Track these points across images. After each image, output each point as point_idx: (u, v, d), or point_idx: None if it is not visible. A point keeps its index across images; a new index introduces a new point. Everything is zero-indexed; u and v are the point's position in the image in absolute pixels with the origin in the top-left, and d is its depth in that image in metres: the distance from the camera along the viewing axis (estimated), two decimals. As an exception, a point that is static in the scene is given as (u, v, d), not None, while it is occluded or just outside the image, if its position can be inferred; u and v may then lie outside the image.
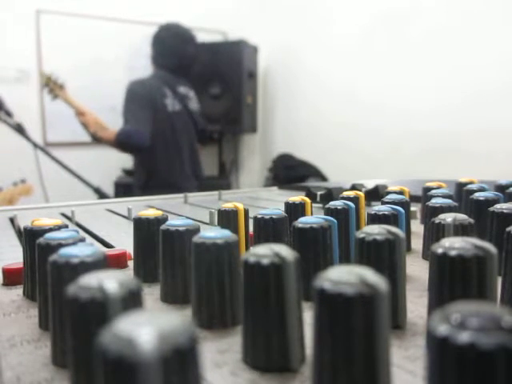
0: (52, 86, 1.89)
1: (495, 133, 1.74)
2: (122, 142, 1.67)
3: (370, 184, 0.69)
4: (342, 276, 0.16)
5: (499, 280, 0.24)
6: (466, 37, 1.82)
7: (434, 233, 0.31)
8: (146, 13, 2.87)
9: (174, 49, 1.84)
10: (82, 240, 0.27)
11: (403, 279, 0.24)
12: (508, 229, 0.26)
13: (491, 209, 0.34)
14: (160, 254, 0.30)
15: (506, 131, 1.71)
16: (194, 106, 1.93)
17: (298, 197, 0.41)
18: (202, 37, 2.78)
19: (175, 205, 0.82)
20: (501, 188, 0.49)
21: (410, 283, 0.32)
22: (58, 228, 0.31)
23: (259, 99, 2.82)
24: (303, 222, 0.29)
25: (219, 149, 2.87)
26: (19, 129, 1.87)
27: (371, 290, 0.16)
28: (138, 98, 1.72)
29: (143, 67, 2.91)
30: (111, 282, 0.17)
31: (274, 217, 0.34)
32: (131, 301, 0.17)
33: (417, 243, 0.42)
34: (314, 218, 0.30)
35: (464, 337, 0.12)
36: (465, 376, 0.12)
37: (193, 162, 1.92)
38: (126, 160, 2.48)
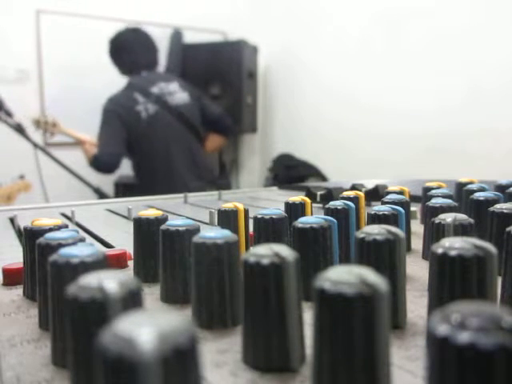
0: (44, 127, 1.90)
1: (495, 133, 1.74)
2: (94, 168, 1.76)
3: (369, 184, 0.69)
4: (342, 276, 0.16)
5: (499, 280, 0.24)
6: (465, 37, 1.82)
7: (434, 233, 0.31)
8: (145, 13, 2.87)
9: (134, 47, 1.84)
10: (82, 240, 0.27)
11: (403, 279, 0.24)
12: (508, 229, 0.26)
13: (491, 209, 0.34)
14: (160, 254, 0.30)
15: (506, 131, 1.71)
16: (179, 98, 1.83)
17: (298, 197, 0.41)
18: (202, 37, 2.78)
19: (175, 205, 0.82)
20: (501, 188, 0.49)
21: (410, 283, 0.32)
22: (58, 228, 0.31)
23: (259, 99, 2.82)
24: (303, 221, 0.29)
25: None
26: (19, 129, 1.87)
27: (371, 289, 0.16)
28: (108, 116, 1.75)
29: (143, 67, 2.91)
30: (111, 281, 0.17)
31: (274, 217, 0.34)
32: (131, 301, 0.17)
33: (417, 243, 0.42)
34: (314, 218, 0.30)
35: (464, 337, 0.12)
36: (465, 376, 0.12)
37: (191, 161, 1.83)
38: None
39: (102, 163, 1.73)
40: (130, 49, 1.84)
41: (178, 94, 1.83)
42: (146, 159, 1.81)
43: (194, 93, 1.90)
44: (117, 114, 1.74)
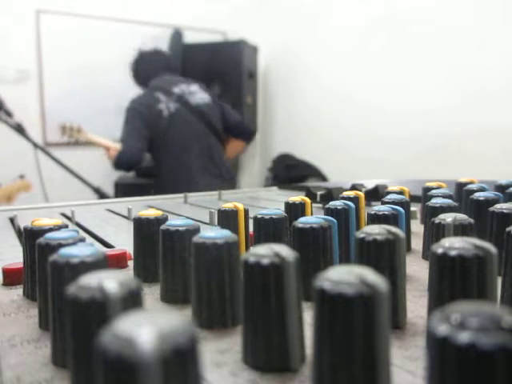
0: (70, 133, 1.98)
1: (495, 133, 1.74)
2: (119, 167, 1.82)
3: (369, 184, 0.69)
4: (342, 276, 0.16)
5: (499, 280, 0.24)
6: (465, 38, 1.82)
7: (434, 233, 0.31)
8: (146, 13, 2.87)
9: (158, 53, 1.94)
10: (82, 240, 0.26)
11: (403, 279, 0.24)
12: (508, 229, 0.26)
13: (491, 209, 0.34)
14: (160, 254, 0.30)
15: (506, 131, 1.71)
16: (200, 98, 1.86)
17: (298, 197, 0.41)
18: (202, 37, 2.78)
19: (175, 205, 0.82)
20: (501, 188, 0.49)
21: (410, 283, 0.32)
22: (58, 228, 0.31)
23: (259, 99, 2.82)
24: (303, 221, 0.29)
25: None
26: (19, 129, 1.87)
27: (371, 289, 0.16)
28: (131, 115, 1.80)
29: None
30: (111, 282, 0.17)
31: (274, 217, 0.34)
32: (131, 301, 0.17)
33: (417, 243, 0.42)
34: (314, 218, 0.30)
35: (464, 337, 0.12)
36: (465, 376, 0.12)
37: (209, 160, 1.85)
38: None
39: (125, 159, 1.77)
40: (148, 60, 1.92)
41: (198, 94, 1.87)
42: (166, 156, 1.84)
43: (215, 97, 1.96)
44: (138, 112, 1.79)
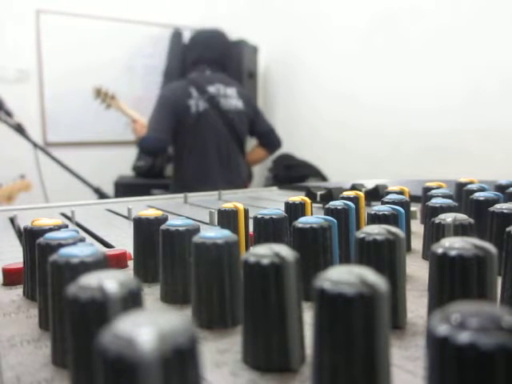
0: (103, 97, 1.99)
1: (495, 133, 1.74)
2: (140, 149, 1.82)
3: (369, 184, 0.69)
4: (342, 276, 0.16)
5: (499, 280, 0.24)
6: (465, 37, 1.82)
7: (434, 233, 0.31)
8: (146, 13, 2.87)
9: (203, 43, 1.87)
10: (82, 240, 0.26)
11: (403, 279, 0.24)
12: (508, 229, 0.26)
13: (491, 209, 0.34)
14: (160, 254, 0.30)
15: (506, 131, 1.71)
16: (233, 104, 1.83)
17: (298, 197, 0.41)
18: (202, 37, 2.78)
19: (175, 205, 0.82)
20: (501, 188, 0.49)
21: (410, 283, 0.32)
22: (58, 228, 0.31)
23: (259, 99, 2.82)
24: (303, 221, 0.29)
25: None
26: (19, 129, 1.87)
27: (371, 289, 0.16)
28: (162, 102, 1.78)
29: (143, 67, 2.92)
30: (111, 281, 0.17)
31: (274, 217, 0.34)
32: (131, 301, 0.17)
33: (417, 243, 0.42)
34: (314, 218, 0.30)
35: (464, 337, 0.12)
36: (465, 376, 0.12)
37: (225, 165, 1.83)
38: (127, 161, 2.48)
39: (148, 146, 1.76)
40: (198, 45, 1.88)
41: (232, 99, 1.83)
42: (185, 153, 1.83)
43: (250, 103, 1.91)
44: (170, 101, 1.77)
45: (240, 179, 1.86)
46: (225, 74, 1.88)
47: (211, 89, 1.80)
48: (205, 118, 1.77)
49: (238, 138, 1.86)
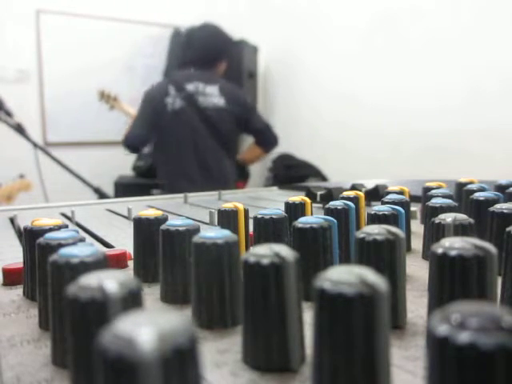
0: (107, 99, 2.09)
1: (495, 133, 1.74)
2: (123, 145, 1.86)
3: (369, 184, 0.69)
4: (342, 276, 0.16)
5: (499, 280, 0.24)
6: (464, 37, 1.82)
7: (434, 233, 0.31)
8: (146, 13, 2.87)
9: (188, 41, 1.88)
10: (82, 240, 0.26)
11: (403, 279, 0.24)
12: (508, 229, 0.26)
13: (491, 209, 0.34)
14: (160, 254, 0.30)
15: (506, 131, 1.71)
16: (212, 101, 1.80)
17: (298, 197, 0.41)
18: (202, 37, 2.78)
19: (175, 205, 0.81)
20: (501, 188, 0.49)
21: (410, 283, 0.32)
22: (58, 228, 0.31)
23: (259, 99, 2.82)
24: (303, 221, 0.29)
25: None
26: (19, 129, 1.87)
27: (371, 290, 0.16)
28: (143, 100, 1.83)
29: (143, 67, 2.92)
30: (111, 281, 0.17)
31: (274, 217, 0.34)
32: (131, 301, 0.17)
33: (417, 243, 0.42)
34: (314, 218, 0.30)
35: (464, 337, 0.12)
36: (465, 376, 0.12)
37: (203, 164, 1.80)
38: (127, 161, 2.48)
39: (127, 142, 1.83)
40: (189, 44, 1.89)
41: (212, 97, 1.81)
42: (163, 151, 1.86)
43: (237, 101, 1.85)
44: (150, 99, 1.81)
45: (222, 178, 1.82)
46: (212, 72, 1.86)
47: (189, 86, 1.79)
48: (180, 115, 1.77)
49: (219, 136, 1.82)
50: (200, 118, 1.79)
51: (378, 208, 0.35)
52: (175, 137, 1.80)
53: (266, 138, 1.94)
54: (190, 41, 1.89)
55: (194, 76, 1.82)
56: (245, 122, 1.86)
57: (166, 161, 1.85)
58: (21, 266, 0.33)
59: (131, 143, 1.83)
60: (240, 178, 2.03)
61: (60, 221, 0.32)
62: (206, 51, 1.86)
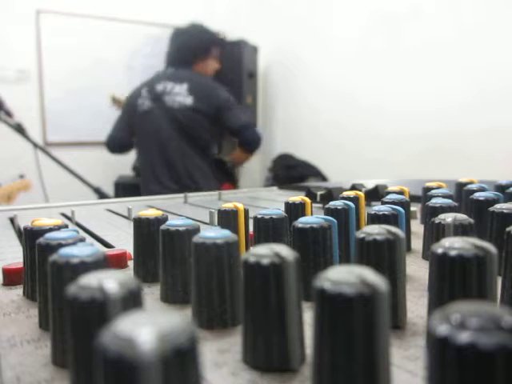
0: (118, 104, 2.14)
1: (495, 133, 1.74)
2: (106, 147, 1.98)
3: (369, 184, 0.69)
4: (342, 276, 0.16)
5: (499, 280, 0.24)
6: (465, 39, 1.82)
7: (434, 233, 0.31)
8: (146, 13, 2.87)
9: (172, 41, 1.90)
10: (82, 240, 0.26)
11: (403, 279, 0.24)
12: (508, 229, 0.26)
13: (491, 209, 0.34)
14: (160, 254, 0.30)
15: (506, 131, 1.71)
16: (178, 101, 1.73)
17: (298, 197, 0.41)
18: (202, 37, 2.78)
19: (175, 205, 0.82)
20: (501, 188, 0.49)
21: (410, 283, 0.32)
22: (58, 228, 0.30)
23: (259, 99, 2.82)
24: (303, 221, 0.29)
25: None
26: (19, 129, 1.87)
27: (371, 289, 0.16)
28: (123, 104, 1.95)
29: (143, 67, 2.92)
30: (111, 281, 0.17)
31: (274, 217, 0.34)
32: (131, 301, 0.17)
33: (417, 243, 0.42)
34: (314, 218, 0.30)
35: (464, 337, 0.12)
36: (465, 376, 0.12)
37: (171, 165, 1.75)
38: (127, 161, 2.48)
39: (106, 144, 1.93)
40: (169, 45, 1.93)
41: (179, 96, 1.74)
42: (138, 153, 1.93)
43: (208, 99, 1.75)
44: (127, 102, 1.91)
45: (190, 180, 1.75)
46: (188, 70, 1.81)
47: (158, 87, 1.79)
48: (149, 117, 1.77)
49: (189, 136, 1.75)
50: (167, 118, 1.74)
51: (378, 208, 0.35)
52: (144, 138, 1.82)
53: (244, 138, 1.83)
54: (169, 41, 1.93)
55: (165, 76, 1.83)
56: (219, 120, 1.77)
57: (140, 163, 1.91)
58: (21, 266, 0.33)
59: (111, 145, 1.92)
60: (227, 179, 1.97)
61: (60, 221, 0.32)
62: (181, 50, 1.84)
